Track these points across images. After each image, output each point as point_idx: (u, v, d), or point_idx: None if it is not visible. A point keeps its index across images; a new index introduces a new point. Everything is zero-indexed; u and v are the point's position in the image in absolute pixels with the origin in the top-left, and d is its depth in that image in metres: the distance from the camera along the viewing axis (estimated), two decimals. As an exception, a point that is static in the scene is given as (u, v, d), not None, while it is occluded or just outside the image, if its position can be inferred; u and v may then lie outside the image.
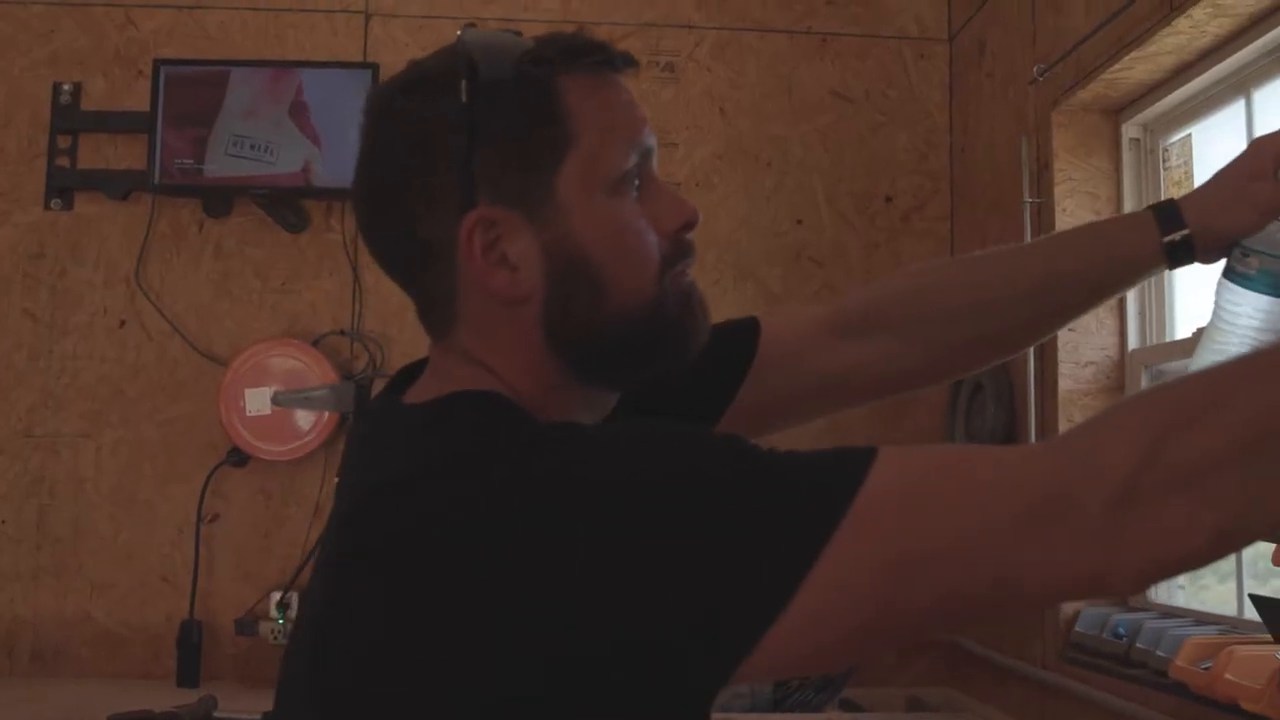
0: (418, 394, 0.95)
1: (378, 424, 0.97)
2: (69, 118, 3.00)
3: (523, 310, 0.93)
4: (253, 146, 2.85)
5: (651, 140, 0.97)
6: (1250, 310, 1.13)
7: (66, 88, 3.01)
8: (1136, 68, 2.24)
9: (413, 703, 0.81)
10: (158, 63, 2.92)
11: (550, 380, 0.95)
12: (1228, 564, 2.23)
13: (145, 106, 2.93)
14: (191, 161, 2.87)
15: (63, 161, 2.99)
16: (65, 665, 2.83)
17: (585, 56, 0.95)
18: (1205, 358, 1.15)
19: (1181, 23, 2.03)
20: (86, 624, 2.86)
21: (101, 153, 2.99)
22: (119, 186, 2.96)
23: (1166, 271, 1.19)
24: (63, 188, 2.98)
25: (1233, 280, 1.13)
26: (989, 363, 1.27)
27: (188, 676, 2.70)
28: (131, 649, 2.85)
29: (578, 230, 0.92)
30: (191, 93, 2.91)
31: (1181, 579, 2.32)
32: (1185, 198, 1.17)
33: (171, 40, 3.01)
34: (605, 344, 0.95)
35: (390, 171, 0.95)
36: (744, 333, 1.21)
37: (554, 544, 0.78)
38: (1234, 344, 1.13)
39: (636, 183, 0.95)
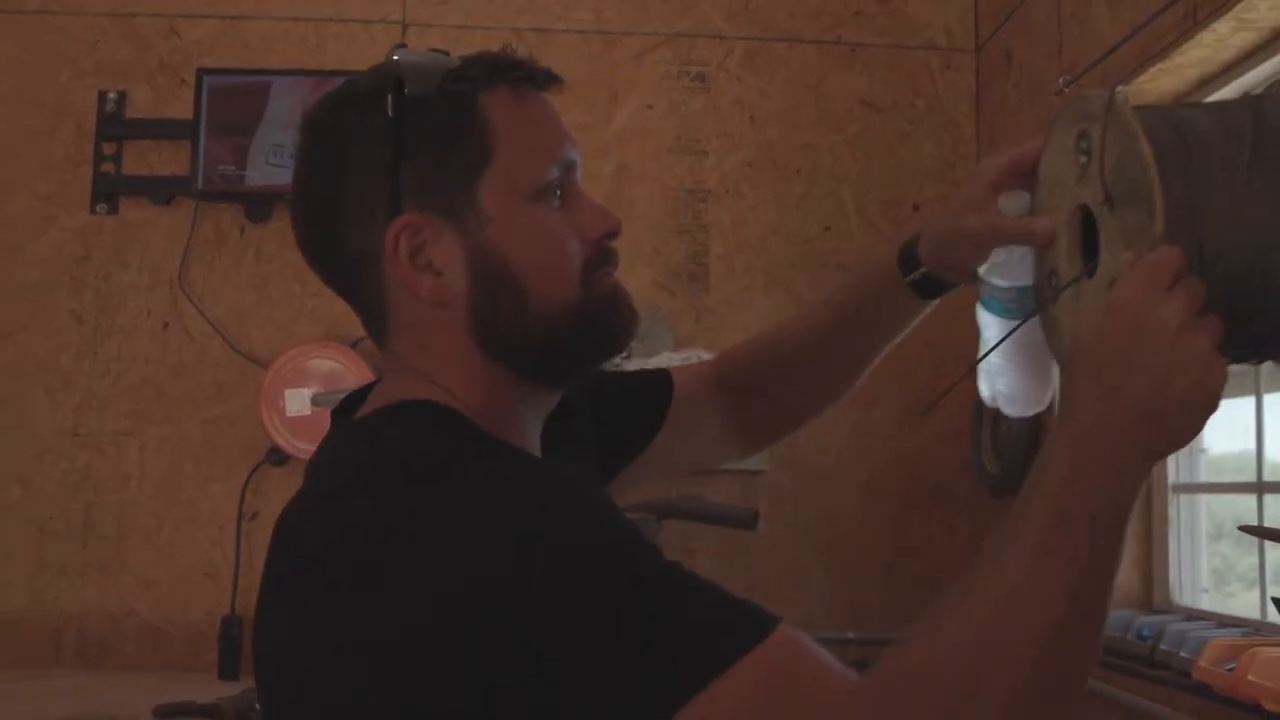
0: (367, 407, 1.00)
1: (324, 445, 1.02)
2: (114, 125, 3.07)
3: (450, 314, 0.98)
4: (292, 156, 2.91)
5: (574, 154, 1.02)
6: (995, 331, 1.15)
7: (111, 96, 3.08)
8: (1161, 80, 2.28)
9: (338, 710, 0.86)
10: (200, 72, 3.00)
11: (487, 381, 0.99)
12: (1252, 570, 2.27)
13: (188, 114, 3.00)
14: (233, 168, 2.95)
15: (108, 168, 3.06)
16: (110, 659, 2.90)
17: (507, 73, 1.00)
18: (982, 375, 1.20)
19: (1205, 36, 2.07)
20: (131, 619, 2.93)
21: (145, 159, 3.06)
22: (163, 192, 3.04)
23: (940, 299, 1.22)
24: (108, 193, 3.06)
25: (979, 302, 1.16)
26: (833, 402, 1.35)
27: (229, 670, 2.77)
28: (174, 643, 2.92)
29: (498, 237, 0.97)
30: (234, 102, 2.98)
31: (1205, 583, 2.37)
32: (922, 231, 1.18)
33: (214, 50, 3.08)
34: (533, 344, 0.99)
35: (320, 185, 1.00)
36: (662, 384, 1.28)
37: (455, 576, 0.82)
38: (991, 361, 1.18)
39: (559, 193, 1.00)
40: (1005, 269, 1.08)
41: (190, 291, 3.01)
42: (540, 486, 0.86)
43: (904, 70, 3.10)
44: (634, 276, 2.98)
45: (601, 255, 1.02)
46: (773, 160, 3.05)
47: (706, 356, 2.75)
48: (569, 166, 1.01)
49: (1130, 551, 2.39)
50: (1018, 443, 2.61)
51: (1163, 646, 2.11)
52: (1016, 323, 1.09)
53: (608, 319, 1.03)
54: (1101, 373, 0.84)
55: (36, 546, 2.95)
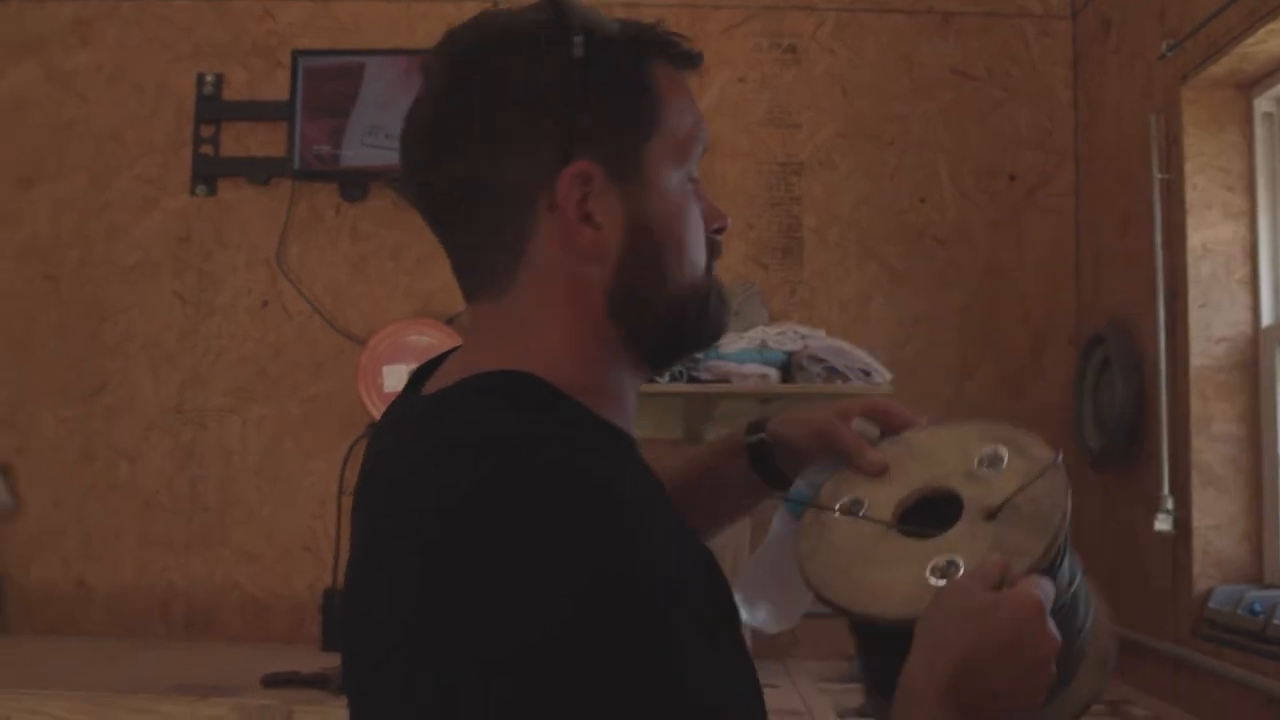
0: (456, 373, 0.95)
1: (415, 410, 0.96)
2: (212, 108, 3.12)
3: (594, 271, 0.94)
4: (387, 136, 2.95)
5: (707, 140, 1.01)
6: (778, 531, 1.15)
7: (209, 79, 3.13)
8: (1270, 41, 2.22)
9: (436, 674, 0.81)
10: (295, 54, 3.03)
11: (597, 349, 0.96)
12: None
13: (284, 95, 3.05)
14: (329, 148, 2.98)
15: (206, 150, 3.12)
16: (216, 630, 2.97)
17: (669, 47, 0.98)
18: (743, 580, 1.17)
19: (1320, -5, 2.02)
20: (235, 591, 2.99)
21: (243, 141, 3.11)
22: (260, 173, 3.08)
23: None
24: (207, 175, 3.11)
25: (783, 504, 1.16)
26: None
27: (331, 641, 2.81)
28: (276, 615, 2.98)
29: (655, 207, 0.95)
30: (328, 83, 3.02)
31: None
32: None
33: (307, 31, 3.12)
34: (658, 320, 0.97)
35: (478, 116, 0.94)
36: None
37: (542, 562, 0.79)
38: (761, 561, 1.17)
39: (693, 177, 1.00)
40: (813, 476, 1.11)
41: (288, 270, 3.05)
42: (623, 508, 0.83)
43: (998, 38, 3.05)
44: (727, 251, 2.95)
45: (714, 248, 1.02)
46: (865, 131, 3.02)
47: (802, 331, 2.76)
48: (703, 153, 1.01)
49: (1240, 526, 2.35)
50: (1121, 415, 2.57)
51: (1276, 621, 2.08)
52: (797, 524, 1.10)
53: (718, 312, 1.02)
54: (965, 660, 0.86)
55: (144, 520, 3.02)
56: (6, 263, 3.15)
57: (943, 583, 0.94)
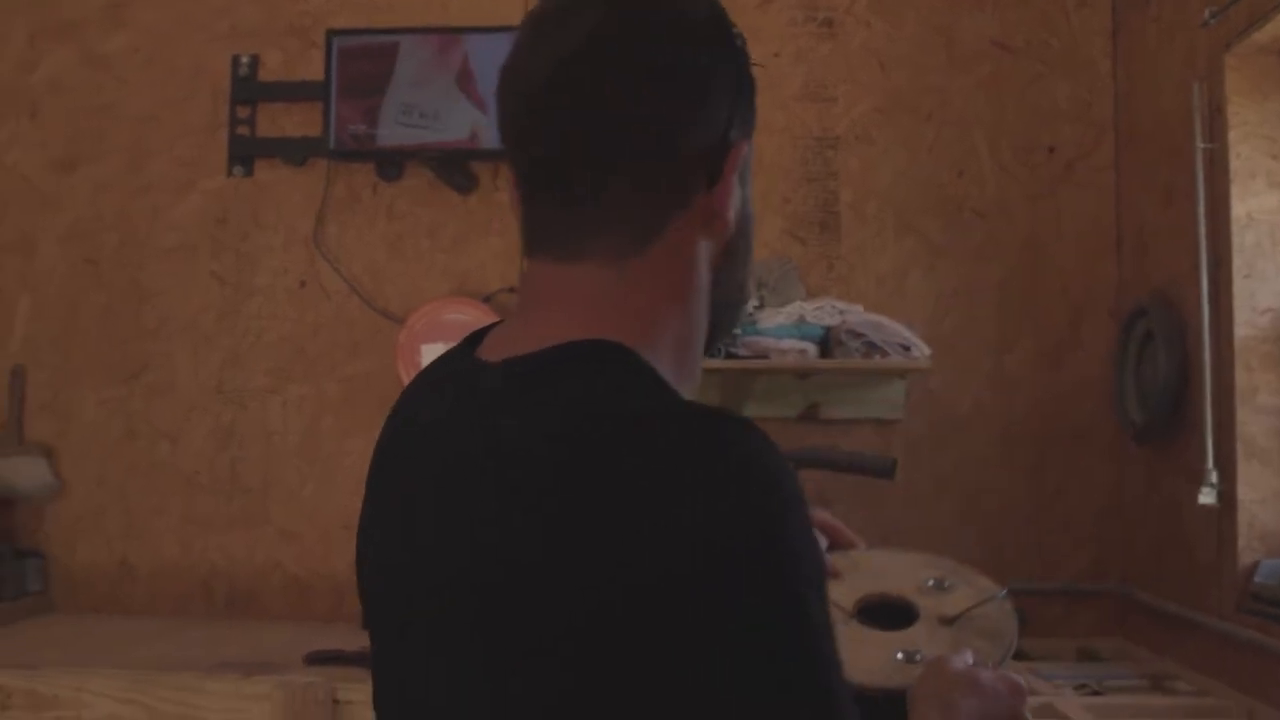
0: (529, 338, 0.91)
1: (519, 377, 0.90)
2: (248, 89, 3.13)
3: (715, 247, 0.95)
4: (421, 115, 2.95)
5: None
6: None
7: (244, 60, 3.14)
8: (1318, 7, 2.19)
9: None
10: (330, 34, 3.03)
11: (693, 328, 0.96)
12: None
13: (319, 75, 3.05)
14: (364, 128, 2.98)
15: (243, 130, 3.13)
16: (257, 609, 2.99)
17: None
18: None
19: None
20: (276, 571, 3.01)
21: (278, 122, 3.12)
22: (296, 153, 3.09)
23: None
24: (243, 156, 3.12)
25: None
26: None
27: (373, 620, 2.82)
28: (318, 594, 3.00)
29: (746, 205, 0.97)
30: (363, 63, 3.01)
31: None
32: None
33: (341, 11, 3.11)
34: (729, 303, 0.99)
35: (677, 92, 0.92)
36: None
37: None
38: None
39: None
40: None
41: (325, 251, 3.06)
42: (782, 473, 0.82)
43: (1036, 9, 3.01)
44: (764, 226, 2.96)
45: None
46: (903, 105, 2.99)
47: (840, 306, 2.74)
48: None
49: (1285, 497, 2.33)
50: (1164, 387, 2.54)
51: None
52: None
53: (740, 316, 1.05)
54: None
55: (185, 500, 3.05)
56: (49, 247, 3.17)
57: (915, 665, 1.05)
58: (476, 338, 1.00)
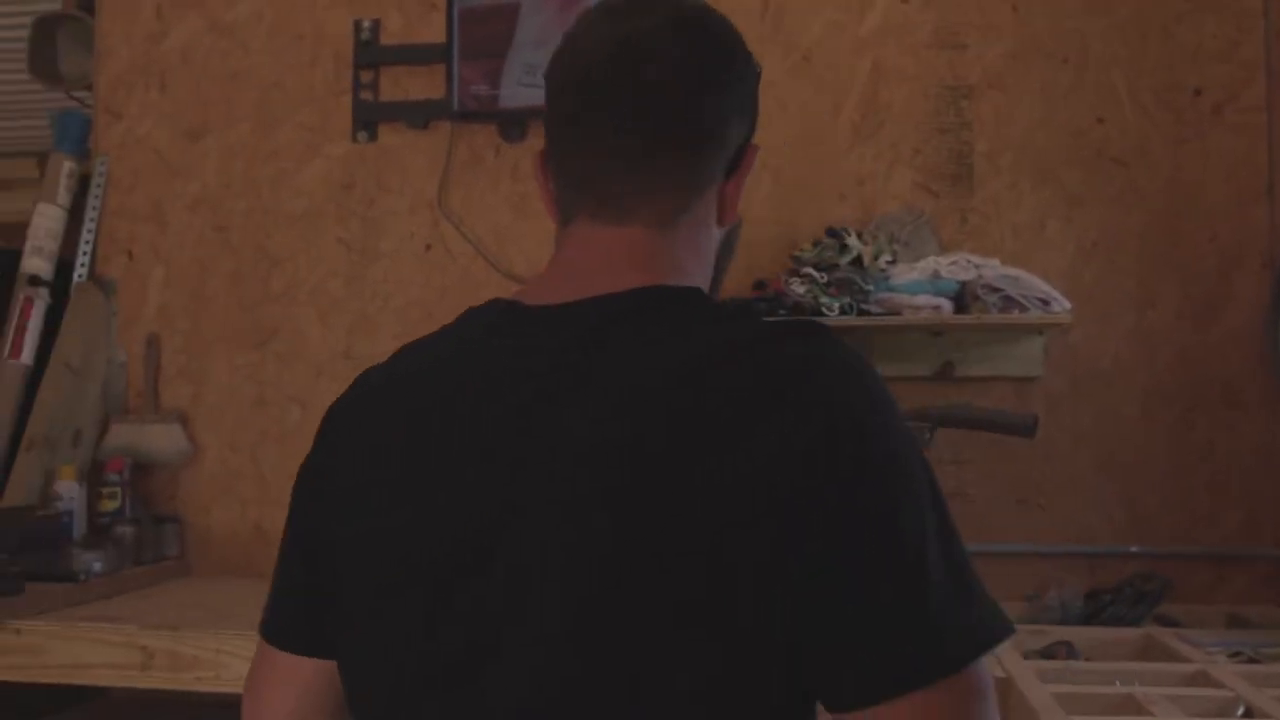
0: (618, 276, 1.00)
1: (622, 314, 0.98)
2: (370, 53, 3.13)
3: (720, 232, 1.09)
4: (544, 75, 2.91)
5: None
6: None
7: (366, 25, 3.14)
8: None
9: None
10: (450, -6, 3.02)
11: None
12: None
13: (440, 38, 3.04)
14: (487, 89, 2.97)
15: (366, 95, 3.13)
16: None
17: None
18: None
19: None
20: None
21: (401, 85, 3.12)
22: (419, 116, 3.08)
23: None
24: (367, 120, 3.13)
25: None
26: None
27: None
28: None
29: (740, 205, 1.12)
30: (484, 24, 3.00)
31: None
32: None
33: (461, -28, 3.09)
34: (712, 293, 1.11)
35: (726, 80, 1.06)
36: None
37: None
38: None
39: None
40: None
41: (450, 213, 3.05)
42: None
43: (1180, -55, 2.87)
44: (894, 179, 2.88)
45: None
46: (1038, 49, 2.88)
47: (976, 260, 2.66)
48: None
49: None
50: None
51: None
52: None
53: None
54: None
55: (317, 465, 3.07)
56: (180, 214, 3.22)
57: None
58: (488, 308, 1.05)
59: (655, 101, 1.02)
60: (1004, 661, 2.11)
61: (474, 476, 0.94)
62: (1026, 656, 2.23)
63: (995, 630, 0.86)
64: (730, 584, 0.83)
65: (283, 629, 1.11)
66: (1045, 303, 2.59)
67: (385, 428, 1.02)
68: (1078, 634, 2.38)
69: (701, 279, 1.06)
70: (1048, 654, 2.27)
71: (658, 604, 0.84)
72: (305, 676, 1.09)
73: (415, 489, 0.97)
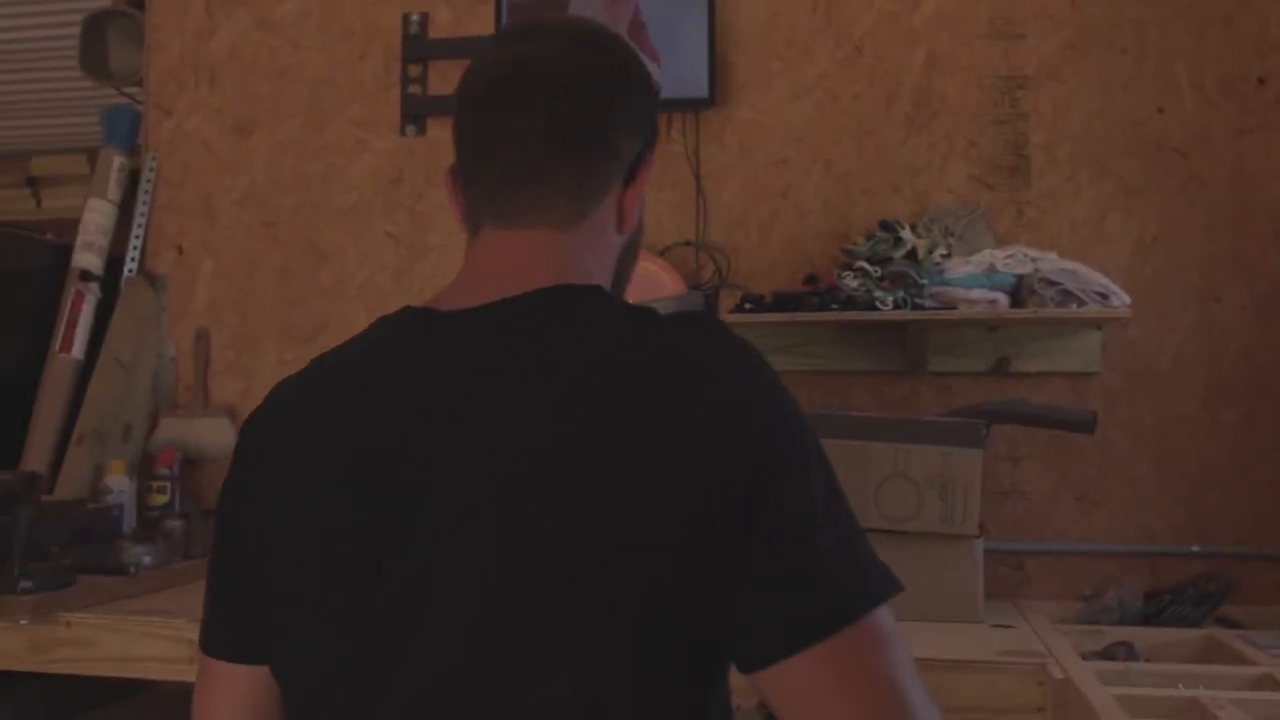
0: (526, 278, 1.07)
1: (540, 309, 1.05)
2: (418, 47, 3.12)
3: (620, 240, 1.17)
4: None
5: None
6: None
7: (414, 18, 3.12)
8: None
9: None
10: (499, -13, 3.00)
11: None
12: None
13: (488, 29, 3.02)
14: (535, 82, 2.94)
15: (415, 89, 3.12)
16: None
17: None
18: None
19: None
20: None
21: (449, 79, 3.10)
22: (467, 110, 3.06)
23: None
24: (416, 114, 3.11)
25: None
26: None
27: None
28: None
29: (643, 215, 1.21)
30: (532, 15, 2.97)
31: None
32: None
33: (510, -35, 3.07)
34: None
35: (624, 93, 1.16)
36: None
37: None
38: None
39: None
40: None
41: (498, 208, 3.03)
42: None
43: (1243, -69, 2.80)
44: (949, 171, 2.84)
45: None
46: (1097, 39, 2.82)
47: (1032, 253, 2.60)
48: None
49: None
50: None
51: None
52: None
53: None
54: None
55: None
56: (229, 210, 3.22)
57: None
58: (399, 315, 1.13)
59: (547, 115, 1.10)
60: (1062, 662, 2.06)
61: (387, 477, 1.00)
62: (1085, 657, 2.17)
63: (885, 584, 0.95)
64: (637, 562, 0.90)
65: (217, 639, 1.16)
66: (1104, 297, 2.54)
67: (299, 435, 1.08)
68: (1137, 634, 2.32)
69: (603, 281, 1.13)
70: (1107, 655, 2.22)
71: (567, 587, 0.91)
72: (243, 684, 1.14)
73: (330, 492, 1.03)
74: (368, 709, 0.99)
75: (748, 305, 2.68)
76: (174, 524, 2.85)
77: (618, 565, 0.90)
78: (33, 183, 3.63)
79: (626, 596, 0.90)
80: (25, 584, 2.30)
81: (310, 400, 1.10)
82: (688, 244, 2.92)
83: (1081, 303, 2.53)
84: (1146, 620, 2.45)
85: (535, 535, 0.92)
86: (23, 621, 2.30)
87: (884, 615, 0.94)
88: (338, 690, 1.01)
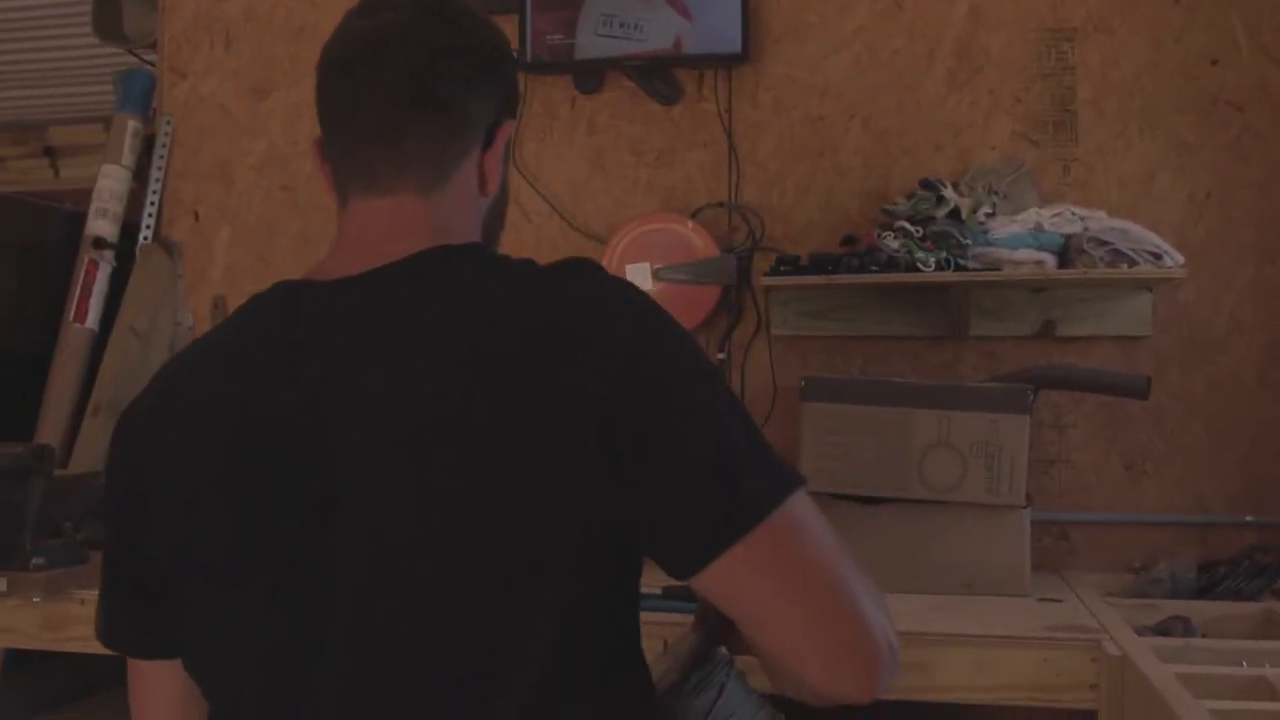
0: (400, 243, 1.11)
1: (422, 271, 1.09)
2: (440, 4, 3.02)
3: (484, 203, 1.20)
4: (622, 25, 2.79)
5: None
6: None
7: (435, -26, 3.02)
8: None
9: None
10: (524, -58, 2.89)
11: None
12: None
13: (510, -14, 2.92)
14: (561, 38, 2.84)
15: (437, 48, 3.02)
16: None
17: None
18: None
19: None
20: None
21: (472, 37, 3.00)
22: (491, 69, 2.96)
23: None
24: (438, 74, 3.02)
25: None
26: None
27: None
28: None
29: (507, 179, 1.27)
30: (558, -28, 2.87)
31: None
32: None
33: (533, -82, 2.97)
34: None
35: (477, 59, 1.18)
36: None
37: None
38: None
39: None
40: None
41: (524, 168, 2.94)
42: None
43: (1300, -127, 2.68)
44: (993, 127, 2.73)
45: None
46: (1147, -12, 2.70)
47: (1080, 212, 2.49)
48: None
49: None
50: None
51: None
52: None
53: None
54: None
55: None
56: (247, 174, 3.14)
57: None
58: (277, 289, 1.16)
59: (399, 84, 1.13)
60: (1117, 637, 1.97)
61: (288, 450, 1.03)
62: (1139, 632, 2.08)
63: (791, 478, 1.01)
64: (559, 486, 0.96)
65: (123, 635, 1.19)
66: (1157, 257, 2.43)
67: (191, 419, 1.08)
68: (1190, 608, 2.22)
69: (471, 235, 1.17)
70: (1162, 630, 2.12)
71: (487, 533, 0.97)
72: (168, 681, 1.17)
73: (233, 474, 1.04)
74: (309, 678, 1.01)
75: (783, 268, 2.58)
76: (192, 497, 2.78)
77: (528, 512, 0.97)
78: (50, 152, 3.58)
79: (544, 543, 0.97)
80: (38, 560, 2.24)
81: (197, 386, 1.11)
82: (720, 205, 2.82)
83: (1133, 263, 2.42)
84: (1199, 593, 2.34)
85: (447, 491, 0.97)
86: (35, 599, 2.24)
87: (796, 502, 1.00)
88: (272, 664, 1.03)
